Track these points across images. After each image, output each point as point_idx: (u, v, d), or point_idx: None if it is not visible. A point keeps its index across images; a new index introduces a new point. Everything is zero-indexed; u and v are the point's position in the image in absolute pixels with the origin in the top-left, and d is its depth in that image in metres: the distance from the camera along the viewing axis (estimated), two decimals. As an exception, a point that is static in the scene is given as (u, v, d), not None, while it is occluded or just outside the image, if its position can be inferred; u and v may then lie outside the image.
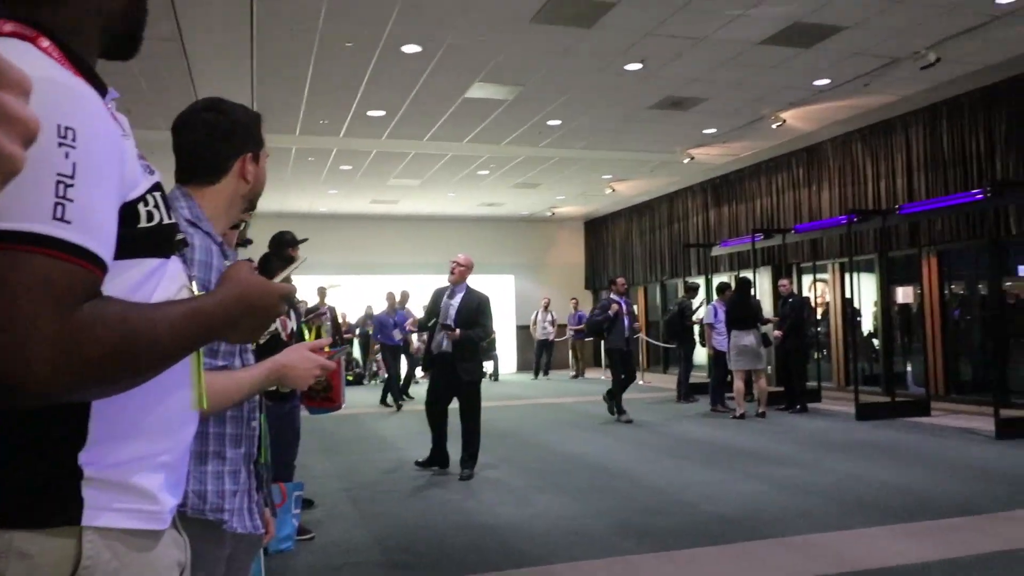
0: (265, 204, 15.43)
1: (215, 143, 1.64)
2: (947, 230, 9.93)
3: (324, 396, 4.46)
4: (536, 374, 16.81)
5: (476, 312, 6.26)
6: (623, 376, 9.54)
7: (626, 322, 9.48)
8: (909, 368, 11.36)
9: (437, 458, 6.48)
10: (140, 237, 1.02)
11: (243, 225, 2.17)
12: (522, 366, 18.92)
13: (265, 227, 5.60)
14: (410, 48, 8.01)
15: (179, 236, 1.16)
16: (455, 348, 6.14)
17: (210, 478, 1.78)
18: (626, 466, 6.58)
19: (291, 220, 13.29)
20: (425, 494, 5.67)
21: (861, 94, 9.92)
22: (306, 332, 5.03)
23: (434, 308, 6.45)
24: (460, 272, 6.43)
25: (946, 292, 10.46)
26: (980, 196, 8.35)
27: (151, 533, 1.08)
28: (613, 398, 9.49)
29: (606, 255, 19.61)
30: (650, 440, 7.97)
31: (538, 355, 16.97)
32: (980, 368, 10.23)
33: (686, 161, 13.26)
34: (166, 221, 1.06)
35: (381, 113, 10.40)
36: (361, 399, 12.65)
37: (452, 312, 6.23)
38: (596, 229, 20.19)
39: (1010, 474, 5.76)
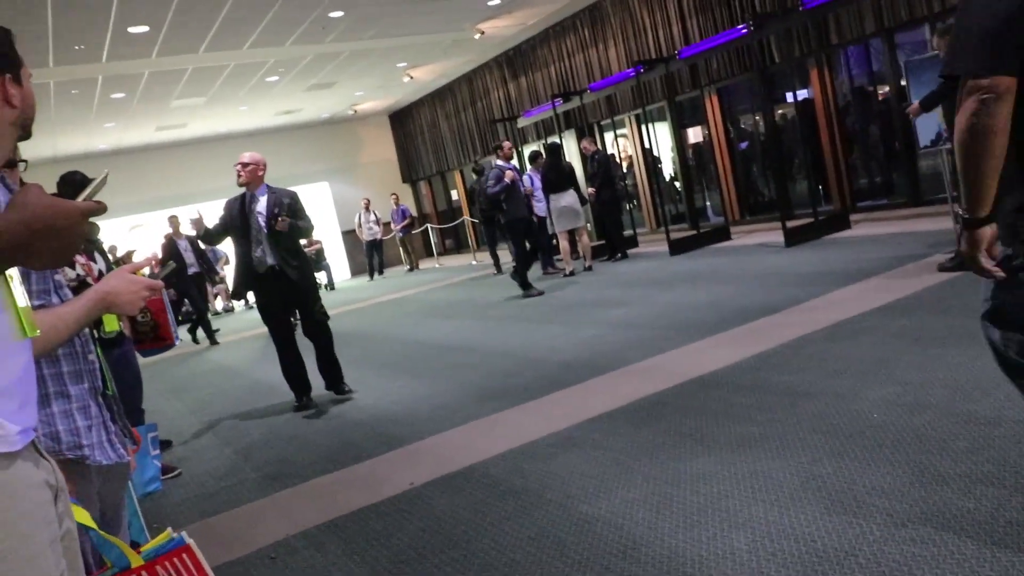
0: (34, 150, 13.84)
1: None
2: (723, 68, 10.69)
3: (154, 336, 4.30)
4: (371, 275, 16.76)
5: (290, 210, 5.37)
6: (529, 248, 9.43)
7: (523, 188, 9.37)
8: (708, 202, 12.44)
9: (302, 385, 5.60)
10: None
11: (23, 166, 2.01)
12: (355, 270, 18.77)
13: (42, 175, 5.09)
14: (161, -50, 7.29)
15: None
16: (280, 257, 5.30)
17: (59, 418, 1.75)
18: (475, 341, 6.89)
19: (69, 163, 12.05)
20: (284, 407, 5.69)
21: (630, -54, 10.20)
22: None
23: (230, 221, 5.45)
24: (249, 172, 5.44)
25: (729, 127, 11.38)
26: (744, 31, 9.02)
27: (2, 456, 1.10)
28: (519, 274, 8.88)
29: (416, 145, 19.44)
30: (492, 313, 8.32)
31: (369, 256, 16.85)
32: (766, 190, 11.37)
33: (477, 37, 13.19)
34: None
35: (144, 29, 9.48)
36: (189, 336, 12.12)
37: (260, 220, 5.32)
38: (402, 120, 19.86)
39: (799, 274, 6.61)
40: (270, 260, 5.34)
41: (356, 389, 5.67)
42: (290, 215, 5.33)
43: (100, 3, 8.33)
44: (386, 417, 4.81)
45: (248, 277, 5.47)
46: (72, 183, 4.09)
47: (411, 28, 12.19)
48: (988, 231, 1.66)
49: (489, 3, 11.64)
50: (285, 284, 5.33)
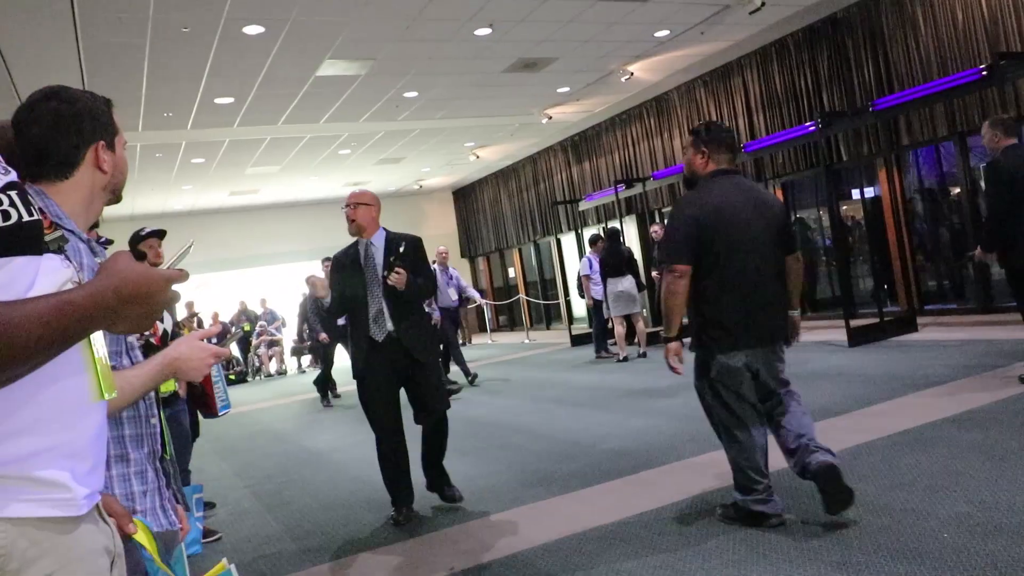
0: (113, 208, 14.49)
1: (62, 134, 1.49)
2: (787, 162, 10.69)
3: (202, 403, 4.35)
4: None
5: (412, 258, 4.28)
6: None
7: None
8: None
9: (407, 492, 4.33)
10: None
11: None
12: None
13: (116, 231, 5.32)
14: (252, 29, 7.74)
15: (55, 234, 1.15)
16: (398, 322, 4.19)
17: (116, 482, 1.76)
18: (523, 421, 6.80)
19: (144, 221, 12.61)
20: (330, 476, 5.66)
21: (699, 42, 10.44)
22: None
23: (343, 281, 4.31)
24: (362, 215, 4.31)
25: (794, 220, 11.29)
26: (812, 128, 9.03)
27: (67, 520, 1.10)
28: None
29: (478, 221, 19.77)
30: (543, 394, 8.23)
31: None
32: (830, 286, 11.15)
33: (544, 121, 13.52)
34: (26, 219, 1.05)
35: (229, 100, 10.00)
36: (245, 396, 12.30)
37: (378, 271, 4.24)
38: (465, 197, 20.28)
39: (863, 375, 6.38)
40: (389, 326, 4.20)
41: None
42: (413, 263, 4.24)
43: (191, 75, 8.83)
44: (432, 495, 4.72)
45: (364, 350, 4.25)
46: (135, 238, 4.35)
47: (481, 111, 12.58)
48: (676, 345, 3.47)
49: (558, 90, 11.96)
50: (402, 358, 4.20)
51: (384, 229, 4.41)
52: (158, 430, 1.89)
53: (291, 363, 16.67)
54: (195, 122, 10.77)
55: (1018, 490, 3.27)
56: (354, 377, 4.34)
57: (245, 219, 18.24)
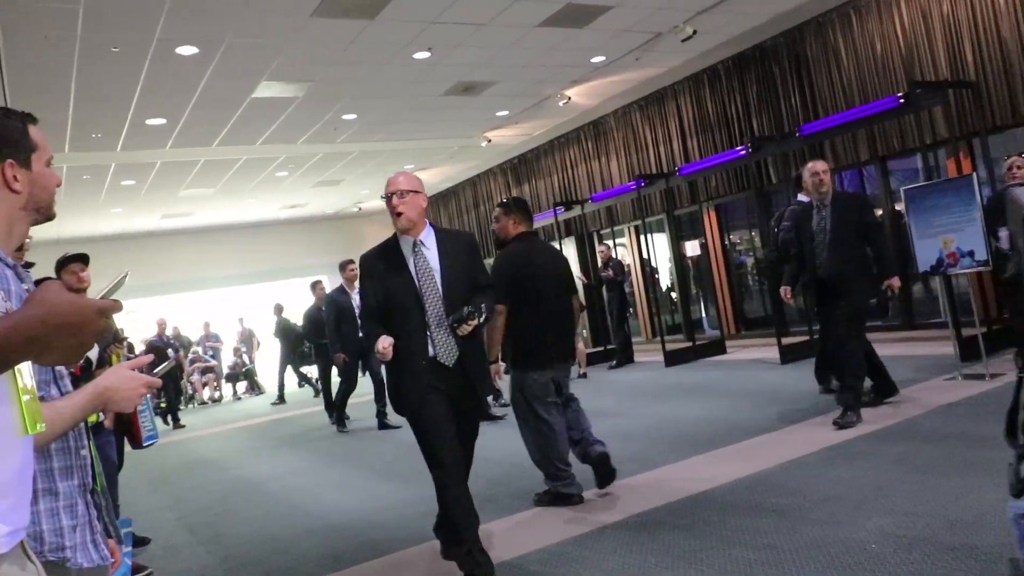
0: (38, 231, 13.97)
1: None
2: (720, 185, 10.99)
3: (128, 432, 4.23)
4: (363, 371, 16.60)
5: (471, 267, 3.51)
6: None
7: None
8: (704, 315, 12.53)
9: (475, 521, 3.46)
10: None
11: (27, 243, 2.03)
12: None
13: (41, 255, 5.13)
14: (186, 50, 7.62)
15: None
16: (466, 348, 3.40)
17: (44, 517, 1.70)
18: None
19: (71, 245, 12.18)
20: (267, 507, 5.53)
21: (634, 68, 10.70)
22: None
23: (385, 289, 3.42)
24: (411, 206, 3.38)
25: (727, 241, 11.60)
26: (743, 152, 9.33)
27: None
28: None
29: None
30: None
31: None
32: (762, 305, 11.47)
33: (484, 144, 13.63)
34: None
35: (162, 121, 9.80)
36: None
37: (436, 279, 3.38)
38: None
39: (795, 392, 6.57)
40: (451, 351, 3.36)
41: (340, 496, 5.45)
42: (472, 273, 3.51)
43: (122, 96, 8.63)
44: (372, 522, 4.66)
45: (421, 375, 3.35)
46: (63, 261, 4.22)
47: (420, 133, 12.61)
48: (499, 366, 4.24)
49: (497, 114, 12.08)
50: (461, 388, 3.43)
51: (432, 225, 3.52)
52: (88, 461, 1.83)
53: (227, 389, 16.26)
54: (125, 143, 10.50)
55: (940, 501, 3.41)
56: (402, 411, 3.48)
57: (179, 242, 17.80)
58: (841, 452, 4.47)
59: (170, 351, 11.92)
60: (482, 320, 3.33)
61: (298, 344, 13.34)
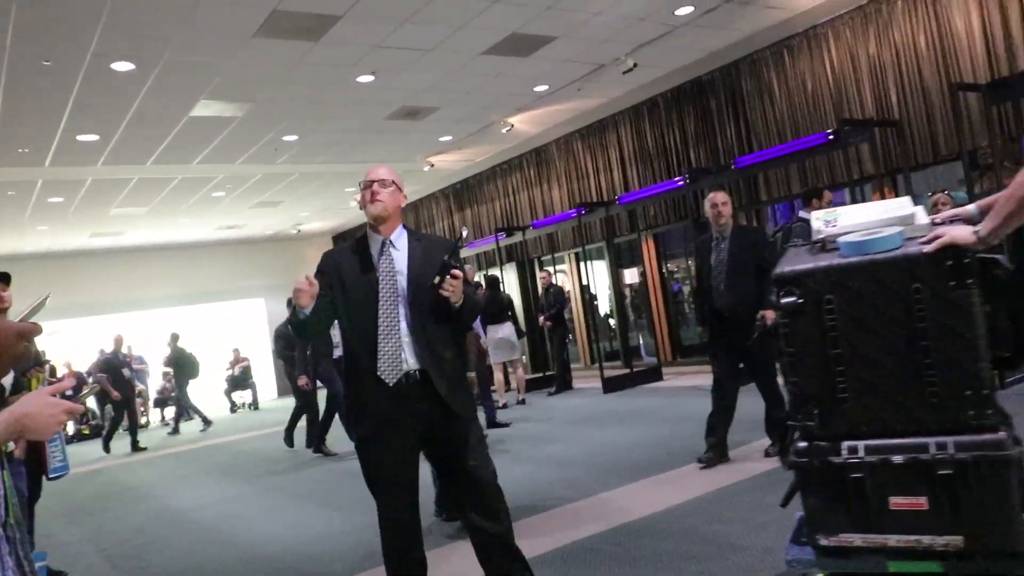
0: (-44, 248, 13.41)
1: None
2: (659, 214, 11.21)
3: (35, 462, 3.99)
4: (299, 397, 16.29)
5: (443, 267, 2.80)
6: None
7: None
8: (642, 341, 12.70)
9: None
10: None
11: None
12: (282, 391, 18.23)
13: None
14: (122, 66, 7.44)
15: None
16: (429, 352, 2.81)
17: (-49, 552, 1.60)
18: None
19: (-7, 263, 11.67)
20: (195, 537, 5.34)
21: (576, 98, 10.88)
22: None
23: (342, 286, 2.92)
24: (390, 197, 3.01)
25: (664, 270, 11.82)
26: (680, 183, 9.55)
27: None
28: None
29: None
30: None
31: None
32: (698, 332, 11.68)
33: (427, 169, 13.63)
34: None
35: (94, 138, 9.51)
36: (100, 451, 11.47)
37: (400, 282, 2.87)
38: (346, 242, 19.99)
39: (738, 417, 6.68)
40: (410, 361, 2.80)
41: (270, 525, 5.31)
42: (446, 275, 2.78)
43: (52, 111, 8.36)
44: (302, 553, 4.54)
45: (370, 396, 2.81)
46: None
47: (362, 156, 12.54)
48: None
49: (441, 139, 12.11)
50: (429, 407, 2.80)
51: (405, 227, 3.07)
52: (2, 492, 1.75)
53: (154, 415, 15.72)
54: (54, 159, 10.15)
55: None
56: (353, 436, 2.91)
57: (108, 262, 17.23)
58: (774, 478, 4.55)
59: (126, 370, 11.30)
60: (459, 267, 2.73)
61: (193, 373, 12.87)
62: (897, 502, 2.19)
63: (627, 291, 12.97)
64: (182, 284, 17.94)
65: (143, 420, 15.31)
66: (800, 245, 2.63)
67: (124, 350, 15.77)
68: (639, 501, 4.52)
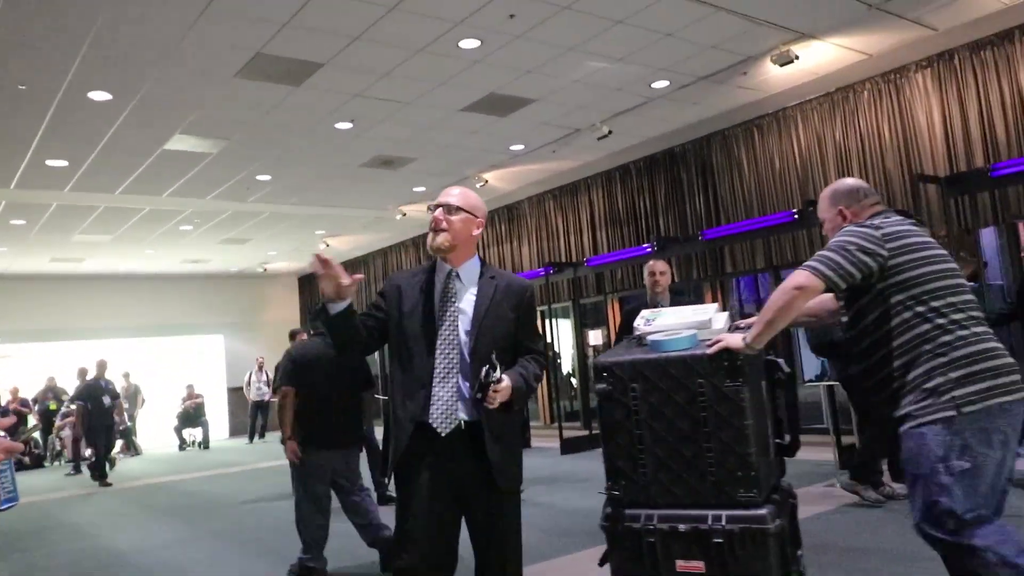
0: (-92, 264, 13.04)
1: None
2: (625, 278, 11.34)
3: None
4: (251, 437, 15.94)
5: (519, 322, 2.66)
6: None
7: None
8: (603, 403, 12.67)
9: None
10: None
11: None
12: (234, 430, 17.82)
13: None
14: (99, 95, 7.41)
15: None
16: (489, 418, 2.52)
17: None
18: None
19: (-55, 283, 11.37)
20: (127, 584, 5.13)
21: (551, 159, 11.07)
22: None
23: (400, 313, 2.69)
24: (461, 226, 2.66)
25: (629, 333, 11.88)
26: (648, 249, 9.69)
27: None
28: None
29: (322, 310, 19.33)
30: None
31: (253, 417, 16.14)
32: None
33: (399, 217, 13.66)
34: None
35: (63, 163, 9.41)
36: (38, 484, 11.05)
37: (462, 325, 2.58)
38: (312, 284, 19.83)
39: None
40: (461, 413, 2.53)
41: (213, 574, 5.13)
42: (520, 330, 2.67)
43: (23, 134, 8.27)
44: None
45: (408, 435, 2.52)
46: None
47: (335, 201, 12.55)
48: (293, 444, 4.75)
49: (415, 189, 12.18)
50: (471, 474, 2.52)
51: (480, 259, 2.74)
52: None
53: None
54: (20, 182, 10.00)
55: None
56: (385, 473, 2.72)
57: (68, 288, 16.87)
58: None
59: (106, 398, 10.79)
60: (497, 380, 2.40)
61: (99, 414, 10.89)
62: (682, 565, 2.63)
63: (590, 352, 13.00)
64: (141, 315, 17.59)
65: (85, 454, 14.79)
66: (630, 338, 2.97)
67: (80, 380, 15.32)
68: (593, 567, 4.44)
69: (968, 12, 7.36)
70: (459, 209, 2.66)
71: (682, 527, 2.60)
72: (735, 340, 2.54)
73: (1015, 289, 6.20)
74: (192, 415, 16.10)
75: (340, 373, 4.78)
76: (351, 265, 18.11)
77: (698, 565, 2.60)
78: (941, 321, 2.36)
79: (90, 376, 11.20)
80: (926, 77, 8.03)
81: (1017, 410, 2.33)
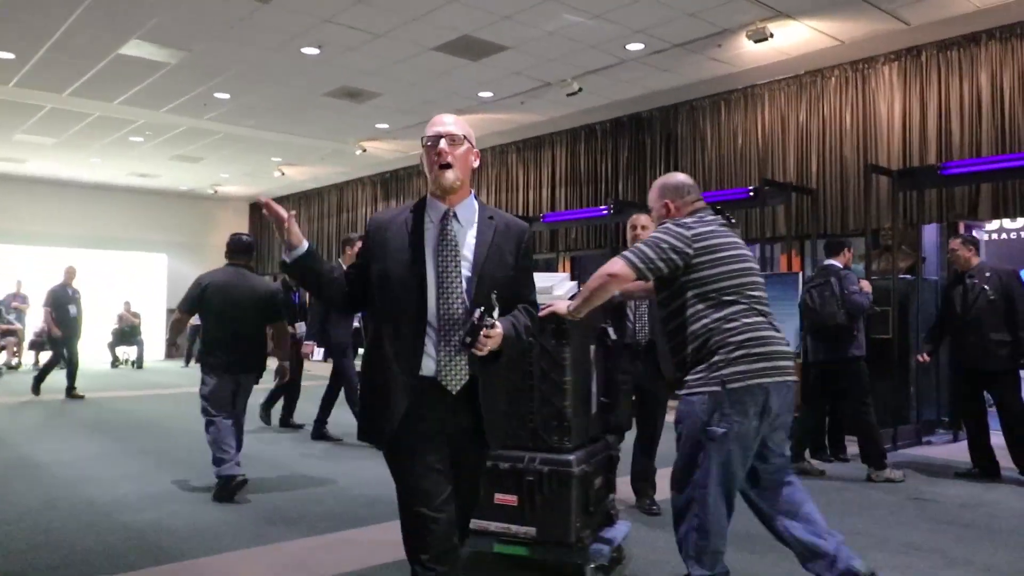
0: None
1: None
2: (580, 238, 11.40)
3: None
4: (187, 361, 15.72)
5: (516, 270, 2.41)
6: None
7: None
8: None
9: None
10: None
11: None
12: (172, 353, 17.54)
13: None
14: (52, -13, 7.04)
15: None
16: (484, 372, 2.31)
17: None
18: (280, 453, 6.53)
19: None
20: (45, 493, 5.06)
21: (518, 110, 10.96)
22: None
23: (387, 255, 2.34)
24: (461, 160, 2.35)
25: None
26: (605, 212, 9.74)
27: None
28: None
29: (271, 239, 19.00)
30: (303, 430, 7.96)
31: (191, 340, 15.88)
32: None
33: (359, 152, 13.43)
34: None
35: (9, 56, 8.96)
36: None
37: (464, 266, 2.30)
38: (262, 212, 19.46)
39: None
40: (460, 372, 2.29)
41: (137, 495, 5.08)
42: (516, 279, 2.42)
43: (-34, 19, 7.83)
44: (160, 527, 4.36)
45: (401, 393, 2.26)
46: None
47: (294, 129, 12.25)
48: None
49: (377, 125, 11.96)
50: (462, 422, 2.33)
51: (475, 198, 2.44)
52: None
53: (28, 356, 14.84)
54: (-40, 71, 9.50)
55: None
56: (377, 441, 2.38)
57: (4, 188, 16.23)
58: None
59: (71, 307, 10.26)
60: (491, 324, 2.19)
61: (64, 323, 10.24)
62: (499, 497, 3.17)
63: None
64: (82, 225, 17.05)
65: (14, 362, 14.43)
66: None
67: (16, 289, 14.78)
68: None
69: (940, 10, 7.45)
70: (462, 138, 2.36)
71: (503, 465, 3.17)
72: (561, 307, 2.96)
73: (942, 295, 6.38)
74: (127, 333, 15.78)
75: (245, 303, 5.05)
76: (305, 196, 17.80)
77: (511, 499, 3.14)
78: (726, 311, 2.74)
79: (56, 284, 10.57)
80: (892, 70, 8.14)
81: (782, 390, 2.75)
